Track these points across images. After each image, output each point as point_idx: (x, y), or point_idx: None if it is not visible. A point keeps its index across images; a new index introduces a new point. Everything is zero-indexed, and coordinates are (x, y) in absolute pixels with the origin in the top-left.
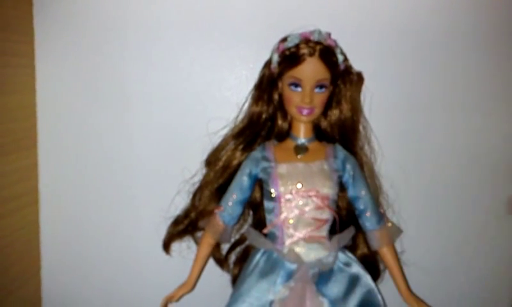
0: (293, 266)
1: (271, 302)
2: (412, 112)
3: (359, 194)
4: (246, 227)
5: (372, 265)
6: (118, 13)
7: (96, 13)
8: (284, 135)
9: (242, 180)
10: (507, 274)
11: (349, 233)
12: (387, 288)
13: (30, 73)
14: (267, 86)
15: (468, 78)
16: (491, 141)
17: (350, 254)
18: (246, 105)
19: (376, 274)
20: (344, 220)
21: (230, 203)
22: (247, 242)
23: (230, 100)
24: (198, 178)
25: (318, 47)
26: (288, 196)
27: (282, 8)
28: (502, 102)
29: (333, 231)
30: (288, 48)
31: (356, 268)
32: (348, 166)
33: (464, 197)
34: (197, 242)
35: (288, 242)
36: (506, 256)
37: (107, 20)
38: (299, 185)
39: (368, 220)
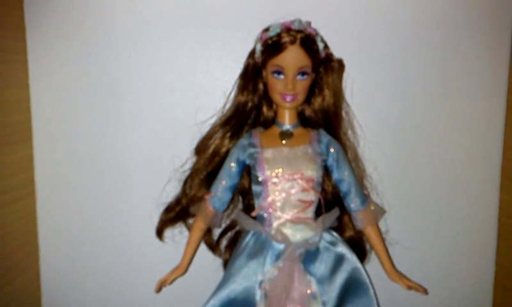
0: (281, 246)
1: (261, 282)
2: (393, 97)
3: (343, 176)
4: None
5: (359, 245)
6: (107, 8)
7: (85, 7)
8: (270, 122)
9: (231, 166)
10: (488, 252)
11: (333, 213)
12: (372, 265)
13: (23, 68)
14: (252, 75)
15: (448, 64)
16: (472, 124)
17: (335, 234)
18: (233, 94)
19: (362, 255)
20: (330, 203)
21: (220, 189)
22: (237, 228)
23: (217, 89)
24: (188, 166)
25: (299, 36)
26: (275, 180)
27: None
28: (484, 87)
29: (319, 213)
30: (271, 38)
31: (342, 248)
32: (332, 150)
33: (445, 177)
34: (189, 227)
35: (275, 223)
36: (487, 234)
37: (96, 14)
38: (281, 170)
39: (353, 202)
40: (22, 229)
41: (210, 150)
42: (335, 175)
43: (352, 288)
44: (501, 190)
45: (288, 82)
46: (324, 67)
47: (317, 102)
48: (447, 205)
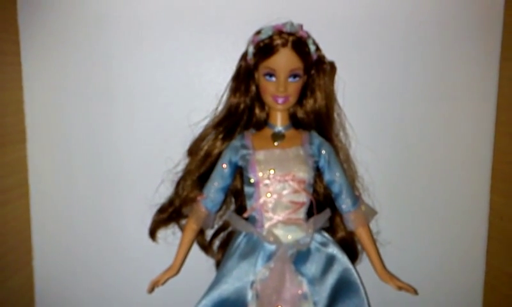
0: (272, 247)
1: (252, 282)
2: (384, 99)
3: (334, 177)
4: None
5: (351, 246)
6: (101, 10)
7: (79, 9)
8: (262, 124)
9: (223, 168)
10: (478, 252)
11: (324, 215)
12: (363, 266)
13: (16, 70)
14: (244, 77)
15: (439, 66)
16: (463, 126)
17: (327, 235)
18: (225, 96)
19: (354, 255)
20: (322, 204)
21: (212, 191)
22: (230, 228)
23: (209, 91)
24: (181, 167)
25: (290, 38)
26: (266, 181)
27: (259, 2)
28: (475, 89)
29: (311, 214)
30: (262, 40)
31: (333, 248)
32: (323, 152)
33: (436, 178)
34: (181, 228)
35: (267, 224)
36: (477, 235)
37: (90, 16)
38: (272, 171)
39: (344, 203)
40: (15, 230)
41: (203, 152)
42: (327, 176)
43: (343, 288)
44: (491, 192)
45: (279, 84)
46: (316, 69)
47: (309, 103)
48: (438, 206)
